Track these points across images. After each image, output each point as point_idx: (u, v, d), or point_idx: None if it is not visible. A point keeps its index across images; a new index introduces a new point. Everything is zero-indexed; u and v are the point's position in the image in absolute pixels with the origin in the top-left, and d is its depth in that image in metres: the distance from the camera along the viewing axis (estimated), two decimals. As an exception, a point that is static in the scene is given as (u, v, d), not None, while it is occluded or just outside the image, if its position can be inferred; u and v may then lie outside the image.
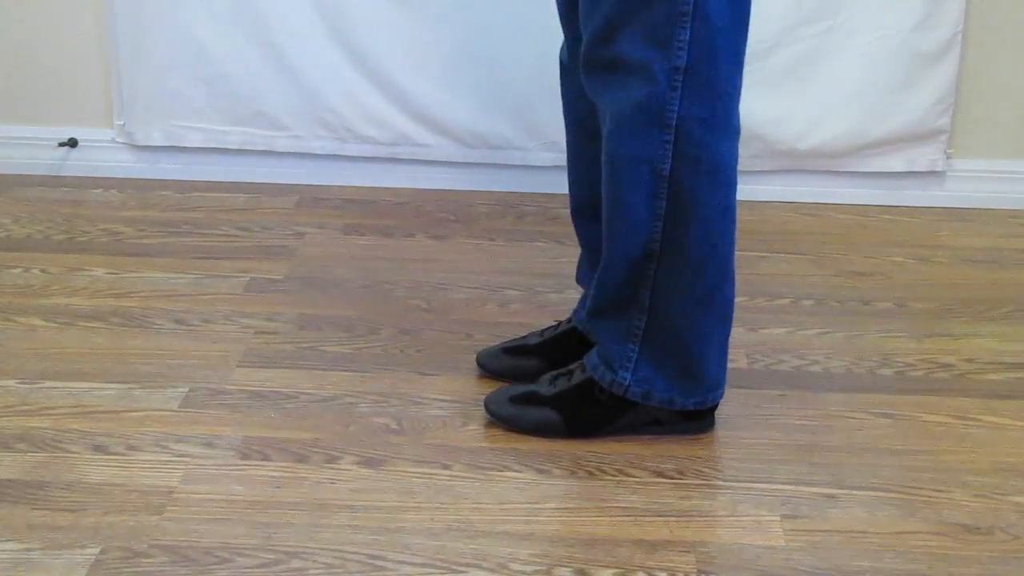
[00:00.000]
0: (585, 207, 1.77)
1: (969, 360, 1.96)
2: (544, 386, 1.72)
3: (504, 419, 1.71)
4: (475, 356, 1.88)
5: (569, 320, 1.87)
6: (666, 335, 1.62)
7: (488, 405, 1.73)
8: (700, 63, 1.48)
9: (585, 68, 1.56)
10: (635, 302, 1.62)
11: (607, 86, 1.54)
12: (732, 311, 1.65)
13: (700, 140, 1.52)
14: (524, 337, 1.89)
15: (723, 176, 1.55)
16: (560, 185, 2.58)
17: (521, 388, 1.73)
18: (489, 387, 1.82)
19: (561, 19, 1.70)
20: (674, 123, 1.50)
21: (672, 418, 1.69)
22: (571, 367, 1.73)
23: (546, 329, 1.89)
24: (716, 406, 1.71)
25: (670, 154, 1.52)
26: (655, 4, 1.46)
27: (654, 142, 1.52)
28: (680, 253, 1.57)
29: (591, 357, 1.70)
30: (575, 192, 1.80)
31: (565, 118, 1.78)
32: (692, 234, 1.56)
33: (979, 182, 2.61)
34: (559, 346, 1.84)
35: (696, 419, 1.70)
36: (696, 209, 1.55)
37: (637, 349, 1.64)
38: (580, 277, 1.88)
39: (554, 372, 1.74)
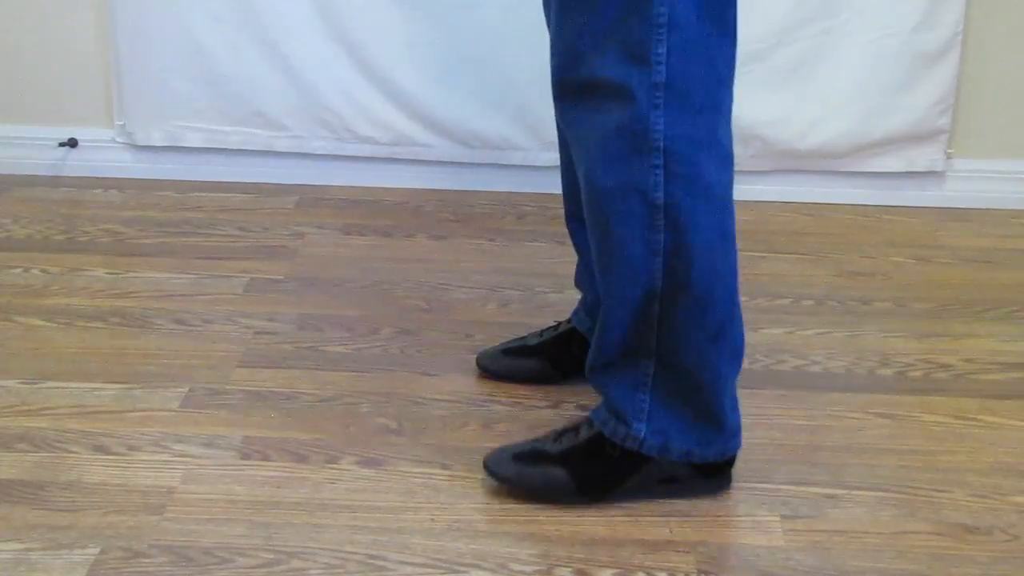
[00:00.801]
0: (579, 212, 1.69)
1: (969, 360, 1.96)
2: (549, 443, 1.59)
3: (507, 479, 1.57)
4: (475, 357, 1.88)
5: (569, 320, 1.85)
6: (678, 379, 1.51)
7: (488, 465, 1.58)
8: (679, 77, 1.38)
9: (556, 93, 1.47)
10: (641, 348, 1.51)
11: (581, 113, 1.44)
12: (742, 349, 1.54)
13: (690, 158, 1.41)
14: (524, 338, 1.87)
15: (717, 196, 1.45)
16: (560, 185, 2.58)
17: (524, 445, 1.60)
18: (489, 387, 1.82)
19: (549, 27, 1.64)
20: (661, 144, 1.40)
21: (689, 474, 1.56)
22: (576, 422, 1.62)
23: (546, 329, 1.87)
24: (734, 459, 1.59)
25: (662, 179, 1.41)
26: (629, 18, 1.37)
27: (642, 168, 1.41)
28: (685, 288, 1.46)
29: (599, 412, 1.58)
30: (568, 198, 1.74)
31: (557, 125, 1.71)
32: (696, 265, 1.45)
33: (979, 182, 2.61)
34: (558, 347, 1.82)
35: (714, 475, 1.58)
36: (697, 236, 1.44)
37: (648, 398, 1.53)
38: (578, 280, 1.84)
39: (558, 429, 1.62)
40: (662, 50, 1.37)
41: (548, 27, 1.60)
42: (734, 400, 1.56)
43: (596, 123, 1.43)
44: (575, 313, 1.84)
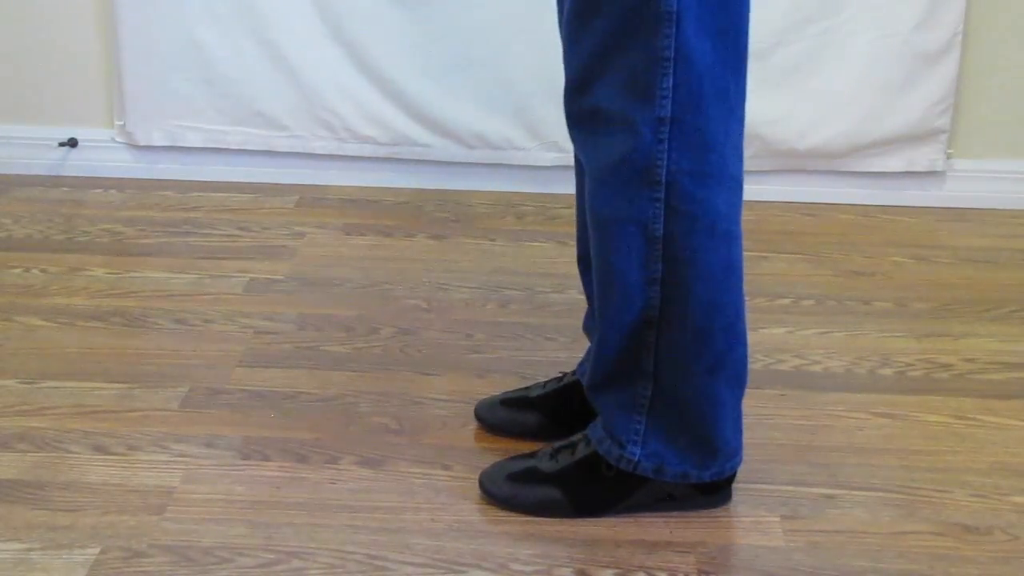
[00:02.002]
0: (589, 256, 1.61)
1: (969, 360, 1.96)
2: (544, 461, 1.57)
3: (501, 499, 1.55)
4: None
5: (573, 372, 1.73)
6: (675, 405, 1.48)
7: (483, 482, 1.57)
8: (687, 112, 1.34)
9: (566, 113, 1.44)
10: (638, 370, 1.48)
11: (588, 139, 1.42)
12: (745, 373, 1.50)
13: (693, 195, 1.37)
14: (526, 388, 1.76)
15: (722, 232, 1.41)
16: (560, 185, 2.58)
17: (519, 464, 1.58)
18: (490, 387, 1.82)
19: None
20: (663, 179, 1.36)
21: (687, 492, 1.53)
22: (574, 439, 1.58)
23: (549, 381, 1.76)
24: (734, 476, 1.56)
25: (662, 213, 1.38)
26: (632, 49, 1.32)
27: (643, 201, 1.38)
28: (683, 319, 1.43)
29: (595, 429, 1.55)
30: (581, 238, 1.65)
31: (575, 153, 1.66)
32: (694, 298, 1.41)
33: (979, 182, 2.61)
34: (561, 401, 1.71)
35: (712, 492, 1.55)
36: (697, 271, 1.40)
37: (644, 420, 1.49)
38: (587, 326, 1.72)
39: (555, 445, 1.59)
40: (668, 84, 1.33)
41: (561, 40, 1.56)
42: (736, 422, 1.52)
43: (601, 150, 1.40)
44: (581, 364, 1.72)
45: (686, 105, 1.34)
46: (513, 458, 1.60)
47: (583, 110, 1.40)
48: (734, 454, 1.53)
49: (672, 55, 1.31)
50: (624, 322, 1.45)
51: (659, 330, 1.44)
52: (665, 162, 1.36)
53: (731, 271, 1.43)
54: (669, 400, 1.48)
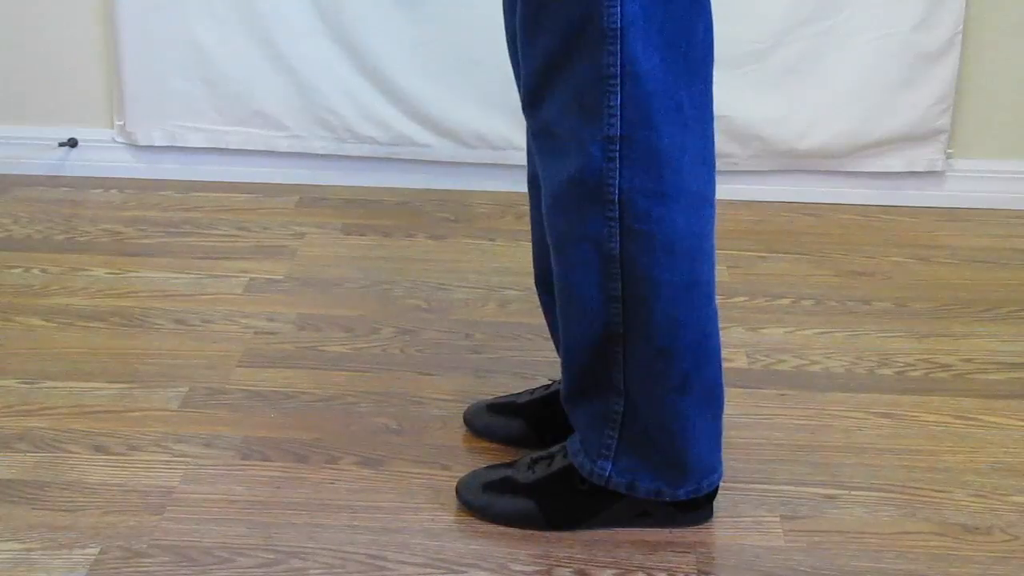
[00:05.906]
0: (545, 278, 1.58)
1: (969, 360, 1.96)
2: (521, 471, 1.54)
3: (476, 508, 1.53)
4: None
5: (559, 381, 1.64)
6: (646, 422, 1.44)
7: (459, 491, 1.55)
8: (637, 129, 1.30)
9: (527, 124, 1.41)
10: (609, 385, 1.44)
11: (543, 156, 1.39)
12: (720, 392, 1.46)
13: (649, 214, 1.34)
14: (516, 394, 1.74)
15: (683, 249, 1.36)
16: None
17: (496, 472, 1.56)
18: (489, 386, 1.82)
19: (512, 66, 1.51)
20: (616, 197, 1.33)
21: (663, 510, 1.50)
22: (552, 450, 1.55)
23: (537, 388, 1.73)
24: (715, 492, 1.52)
25: (617, 232, 1.35)
26: (578, 67, 1.29)
27: (596, 219, 1.35)
28: (645, 337, 1.39)
29: (574, 441, 1.52)
30: (536, 258, 1.62)
31: (528, 177, 1.61)
32: (655, 317, 1.38)
33: (979, 182, 2.61)
34: (546, 408, 1.67)
35: (691, 510, 1.51)
36: (656, 289, 1.37)
37: (616, 436, 1.46)
38: (557, 346, 1.64)
39: (534, 455, 1.56)
40: (615, 102, 1.30)
41: (511, 64, 1.52)
42: (713, 439, 1.48)
43: (554, 167, 1.37)
44: None
45: (636, 122, 1.31)
46: (491, 466, 1.58)
47: (537, 126, 1.38)
48: (710, 472, 1.49)
49: (618, 72, 1.28)
50: (586, 338, 1.42)
51: (625, 346, 1.41)
52: (616, 181, 1.33)
53: (695, 289, 1.39)
54: (640, 417, 1.44)
